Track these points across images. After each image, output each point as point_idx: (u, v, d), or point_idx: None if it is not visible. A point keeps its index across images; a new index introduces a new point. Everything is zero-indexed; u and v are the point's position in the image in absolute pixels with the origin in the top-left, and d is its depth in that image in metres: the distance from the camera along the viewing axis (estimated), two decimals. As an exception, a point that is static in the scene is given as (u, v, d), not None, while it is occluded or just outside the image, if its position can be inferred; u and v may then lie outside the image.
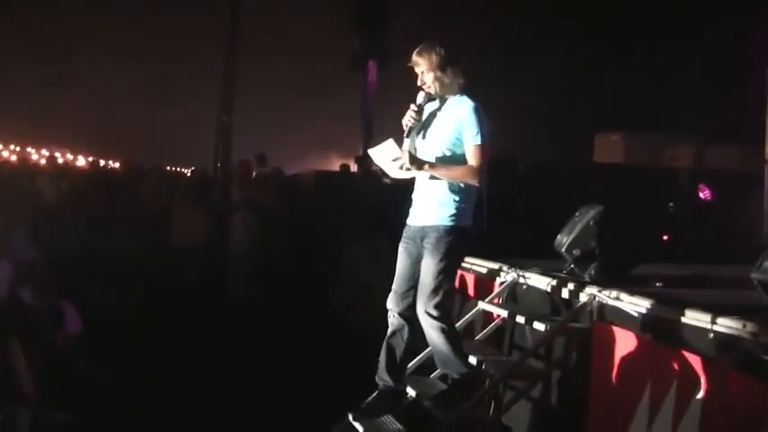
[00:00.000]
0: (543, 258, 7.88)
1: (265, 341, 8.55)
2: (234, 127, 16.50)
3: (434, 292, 6.13)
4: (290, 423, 7.35)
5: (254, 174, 13.87)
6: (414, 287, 6.31)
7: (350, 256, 11.79)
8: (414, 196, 6.46)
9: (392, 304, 6.44)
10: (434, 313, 6.13)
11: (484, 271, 8.43)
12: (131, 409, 6.95)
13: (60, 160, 28.60)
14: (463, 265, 8.68)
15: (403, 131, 6.23)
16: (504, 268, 8.11)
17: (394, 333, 6.48)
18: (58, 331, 7.74)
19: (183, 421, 7.01)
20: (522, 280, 7.81)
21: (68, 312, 8.11)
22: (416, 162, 6.15)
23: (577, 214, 7.56)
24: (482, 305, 7.86)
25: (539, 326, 7.00)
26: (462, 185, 6.20)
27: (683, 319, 5.63)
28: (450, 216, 6.19)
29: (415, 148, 6.29)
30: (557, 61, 27.04)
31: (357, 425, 6.65)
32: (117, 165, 20.63)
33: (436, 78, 6.26)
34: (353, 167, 19.08)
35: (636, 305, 6.11)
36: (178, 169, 22.49)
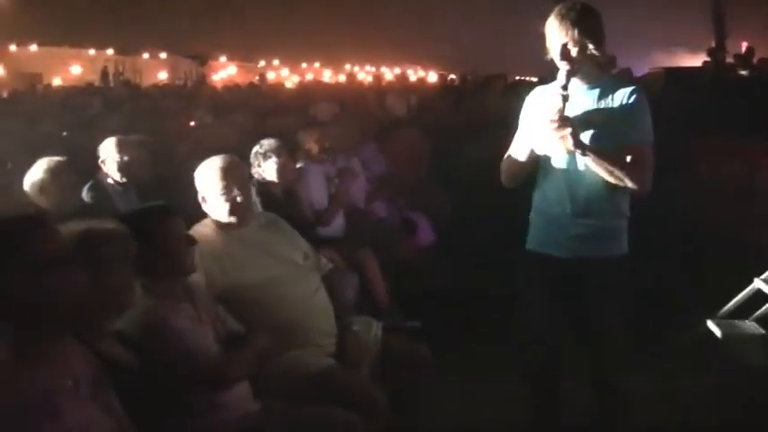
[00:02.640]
0: None
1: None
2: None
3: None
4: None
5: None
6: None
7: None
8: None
9: None
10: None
11: None
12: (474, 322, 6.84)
13: (412, 78, 29.29)
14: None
15: None
16: None
17: None
18: (410, 243, 7.89)
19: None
20: None
21: (421, 224, 8.24)
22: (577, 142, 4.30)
23: None
24: None
25: None
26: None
27: None
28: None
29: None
30: None
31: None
32: (463, 77, 20.82)
33: (589, 56, 4.39)
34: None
35: None
36: (522, 78, 22.36)
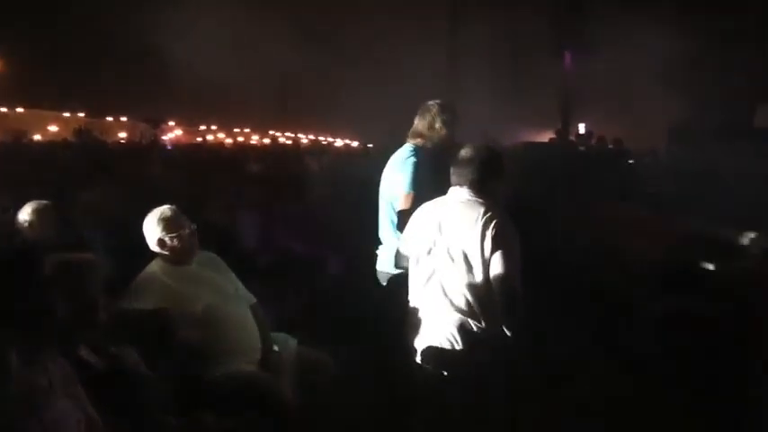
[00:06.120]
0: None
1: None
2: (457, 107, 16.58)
3: None
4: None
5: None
6: None
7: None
8: None
9: None
10: None
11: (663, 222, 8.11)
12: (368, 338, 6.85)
13: (323, 142, 29.47)
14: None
15: None
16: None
17: None
18: (321, 275, 7.87)
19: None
20: (699, 230, 7.40)
21: (330, 260, 8.22)
22: None
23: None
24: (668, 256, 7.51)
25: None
26: None
27: None
28: None
29: None
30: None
31: None
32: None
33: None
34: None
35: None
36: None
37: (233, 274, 5.01)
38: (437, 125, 5.27)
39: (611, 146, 17.52)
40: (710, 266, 6.76)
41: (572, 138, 18.71)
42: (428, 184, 4.95)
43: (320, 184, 9.58)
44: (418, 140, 5.32)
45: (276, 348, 4.89)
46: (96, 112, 45.09)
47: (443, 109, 5.32)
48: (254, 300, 5.03)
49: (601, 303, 7.61)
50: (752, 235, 6.41)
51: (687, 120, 18.33)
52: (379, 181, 5.50)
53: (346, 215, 8.95)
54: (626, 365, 6.69)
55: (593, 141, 17.80)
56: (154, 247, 4.71)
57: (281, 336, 5.11)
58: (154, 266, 4.70)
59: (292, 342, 5.10)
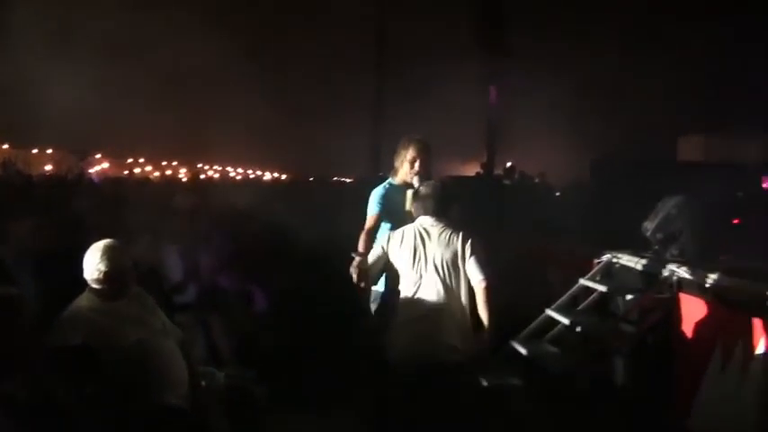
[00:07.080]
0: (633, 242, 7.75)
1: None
2: (384, 138, 16.78)
3: None
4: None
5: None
6: None
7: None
8: None
9: None
10: None
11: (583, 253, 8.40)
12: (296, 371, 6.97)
13: (252, 176, 29.39)
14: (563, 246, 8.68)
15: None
16: (601, 251, 8.03)
17: None
18: (247, 309, 7.92)
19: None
20: (615, 260, 7.73)
21: (256, 294, 8.28)
22: None
23: (660, 204, 7.44)
24: (583, 281, 7.81)
25: (629, 296, 7.01)
26: None
27: (746, 288, 5.64)
28: None
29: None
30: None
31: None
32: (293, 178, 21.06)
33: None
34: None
35: (708, 278, 6.04)
36: (339, 179, 22.63)
37: (159, 310, 5.06)
38: (399, 161, 5.91)
39: (536, 179, 17.96)
40: (628, 295, 7.08)
41: (498, 172, 19.03)
42: (398, 214, 5.63)
43: (246, 217, 9.67)
44: (391, 173, 5.98)
45: (203, 383, 4.98)
46: (21, 143, 44.18)
47: (407, 145, 5.90)
48: (181, 335, 5.09)
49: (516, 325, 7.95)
50: (668, 265, 6.70)
51: (610, 153, 18.81)
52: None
53: (272, 248, 9.06)
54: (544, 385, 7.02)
55: (517, 175, 18.22)
56: (91, 279, 4.67)
57: (209, 370, 5.21)
58: (82, 301, 4.67)
59: (219, 376, 5.19)
